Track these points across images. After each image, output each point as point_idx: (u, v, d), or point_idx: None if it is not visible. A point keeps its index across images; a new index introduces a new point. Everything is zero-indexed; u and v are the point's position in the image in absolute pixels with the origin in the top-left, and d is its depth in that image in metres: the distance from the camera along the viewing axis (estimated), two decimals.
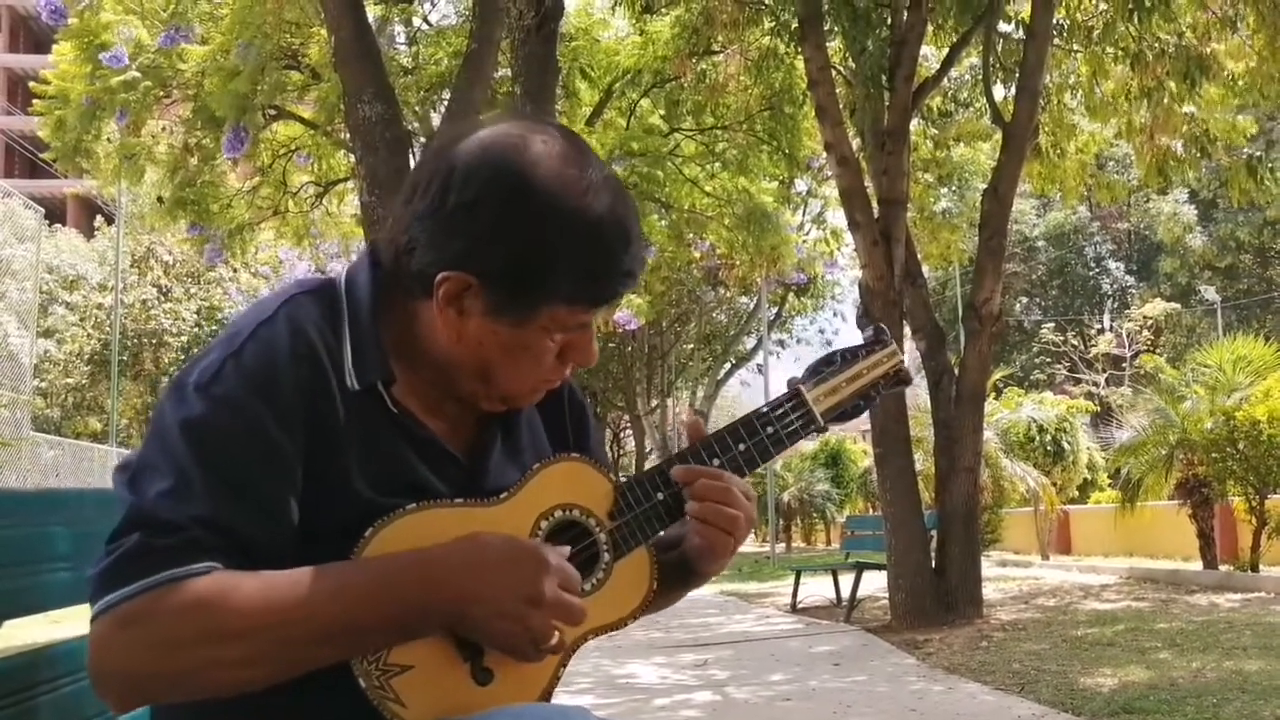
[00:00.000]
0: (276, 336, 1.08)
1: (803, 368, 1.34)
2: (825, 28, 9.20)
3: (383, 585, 1.02)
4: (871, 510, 21.86)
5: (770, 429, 1.27)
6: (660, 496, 1.22)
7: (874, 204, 8.97)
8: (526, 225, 1.08)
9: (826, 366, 1.33)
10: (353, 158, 8.88)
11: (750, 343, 28.24)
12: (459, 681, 1.08)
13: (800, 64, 10.23)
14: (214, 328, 26.64)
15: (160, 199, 12.89)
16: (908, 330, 9.51)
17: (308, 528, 1.06)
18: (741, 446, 1.26)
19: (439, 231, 1.09)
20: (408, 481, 1.11)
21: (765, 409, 1.29)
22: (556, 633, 1.07)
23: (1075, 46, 10.99)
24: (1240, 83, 10.61)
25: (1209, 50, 10.20)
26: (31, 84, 12.51)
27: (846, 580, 10.19)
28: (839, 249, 15.76)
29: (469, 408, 1.20)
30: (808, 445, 35.43)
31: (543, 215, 1.08)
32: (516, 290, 1.10)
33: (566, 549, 1.12)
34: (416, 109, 12.57)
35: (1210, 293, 34.65)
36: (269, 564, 1.02)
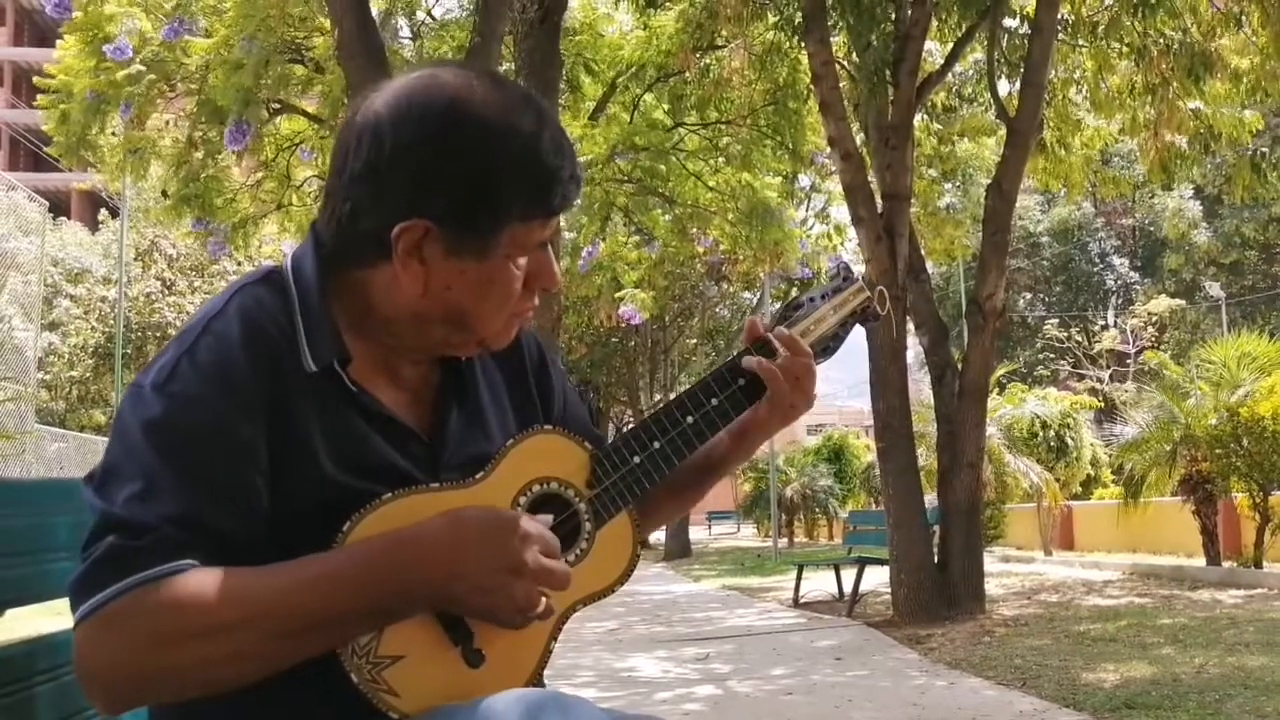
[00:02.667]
0: (228, 328, 1.07)
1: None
2: (829, 22, 9.18)
3: (363, 570, 1.01)
4: (874, 505, 21.86)
5: (742, 379, 1.29)
6: (636, 460, 1.23)
7: (878, 199, 8.97)
8: (467, 154, 1.08)
9: (794, 311, 1.35)
10: None
11: None
12: (450, 666, 1.08)
13: (804, 59, 10.21)
14: None
15: (165, 193, 12.91)
16: (911, 326, 9.51)
17: (280, 514, 1.05)
18: (714, 401, 1.27)
19: (381, 185, 1.08)
20: (372, 461, 1.10)
21: (739, 356, 1.30)
22: (544, 599, 1.07)
23: (1080, 42, 10.98)
24: (1245, 79, 10.59)
25: (1214, 46, 10.18)
26: (36, 78, 12.52)
27: (849, 575, 10.20)
28: (842, 244, 15.72)
29: (429, 372, 1.20)
30: (811, 440, 35.41)
31: (480, 140, 1.08)
32: (472, 221, 1.09)
33: (549, 518, 1.12)
34: None
35: (1215, 289, 34.59)
36: (245, 556, 1.01)
